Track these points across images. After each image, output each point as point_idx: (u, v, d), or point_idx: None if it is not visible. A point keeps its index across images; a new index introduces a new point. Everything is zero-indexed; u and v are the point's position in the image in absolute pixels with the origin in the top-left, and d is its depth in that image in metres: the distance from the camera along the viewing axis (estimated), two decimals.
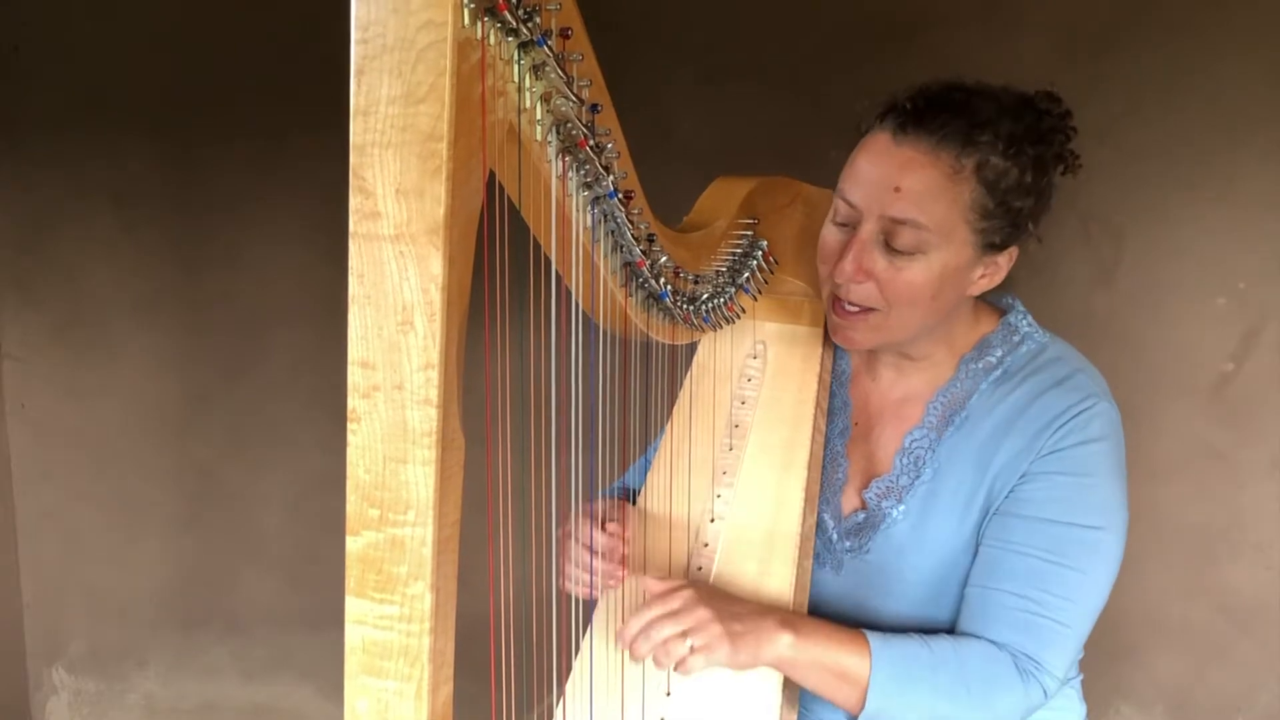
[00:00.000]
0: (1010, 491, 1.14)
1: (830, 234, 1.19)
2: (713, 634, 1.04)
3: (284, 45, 2.18)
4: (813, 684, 1.09)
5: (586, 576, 1.17)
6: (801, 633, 1.07)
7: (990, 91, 1.13)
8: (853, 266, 1.14)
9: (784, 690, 1.10)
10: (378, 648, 0.71)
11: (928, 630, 1.14)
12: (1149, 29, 1.85)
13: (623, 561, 1.19)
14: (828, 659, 1.07)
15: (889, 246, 1.12)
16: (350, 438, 0.69)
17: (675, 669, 1.05)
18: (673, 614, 1.05)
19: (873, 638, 1.08)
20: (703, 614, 1.05)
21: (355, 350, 0.68)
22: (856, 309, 1.17)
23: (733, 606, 1.08)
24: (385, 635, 0.70)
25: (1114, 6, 1.86)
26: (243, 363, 2.35)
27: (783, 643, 1.06)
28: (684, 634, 1.04)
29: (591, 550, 1.16)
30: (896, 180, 1.10)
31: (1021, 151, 1.11)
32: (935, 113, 1.10)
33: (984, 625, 1.12)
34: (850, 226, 1.15)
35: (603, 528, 1.18)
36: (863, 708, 1.07)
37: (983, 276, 1.17)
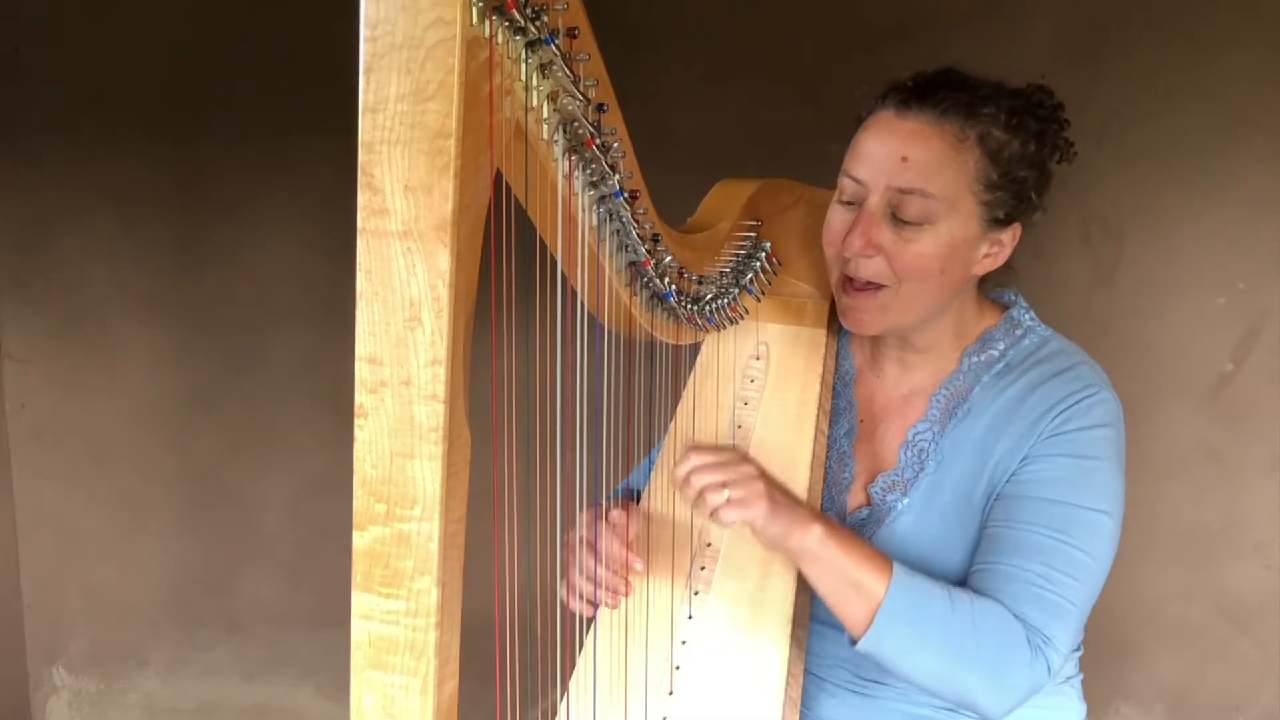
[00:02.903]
0: (1013, 475, 1.15)
1: (836, 215, 1.20)
2: (754, 490, 1.03)
3: (284, 45, 2.18)
4: (828, 587, 1.07)
5: (589, 588, 1.16)
6: (833, 531, 1.06)
7: (985, 78, 1.16)
8: (861, 241, 1.15)
9: (786, 690, 1.10)
10: (383, 642, 0.71)
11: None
12: (1148, 29, 1.85)
13: (626, 574, 1.18)
14: (850, 566, 1.05)
15: (896, 219, 1.14)
16: (357, 433, 0.69)
17: (710, 517, 1.04)
18: (719, 464, 1.04)
19: (898, 566, 1.07)
20: (748, 469, 1.04)
21: (363, 346, 0.68)
22: (865, 287, 1.18)
23: (776, 482, 1.08)
24: (391, 630, 0.71)
25: (1113, 7, 1.87)
26: (243, 362, 2.35)
27: (813, 533, 1.05)
28: (723, 484, 1.03)
29: (596, 556, 1.16)
30: (903, 151, 1.12)
31: (1023, 124, 1.14)
32: (936, 88, 1.14)
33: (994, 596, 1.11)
34: (856, 204, 1.17)
35: (601, 533, 1.17)
36: (868, 627, 1.05)
37: (987, 255, 1.18)
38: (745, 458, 1.07)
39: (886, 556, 1.08)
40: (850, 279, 1.19)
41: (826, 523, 1.07)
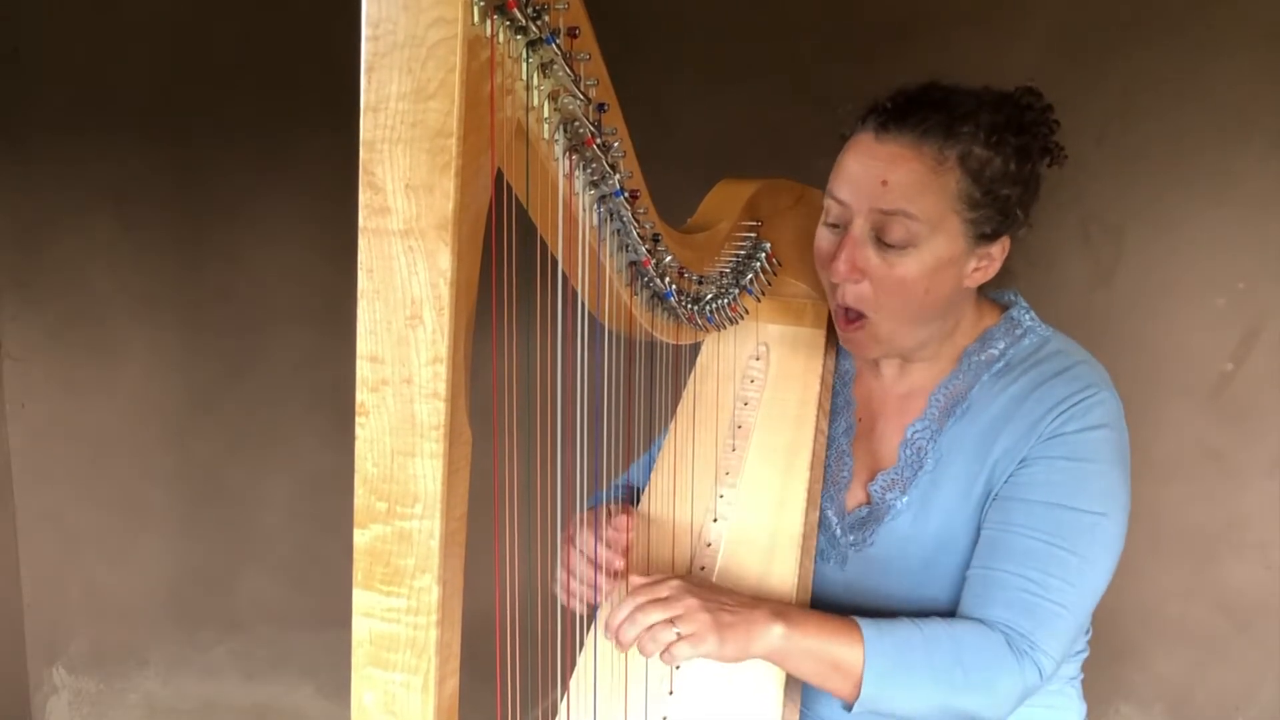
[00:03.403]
0: (1010, 476, 1.15)
1: (823, 238, 1.21)
2: (700, 622, 1.02)
3: (285, 45, 2.18)
4: (806, 674, 1.08)
5: (585, 590, 1.16)
6: (793, 623, 1.06)
7: (968, 89, 1.16)
8: (846, 266, 1.15)
9: (785, 689, 1.10)
10: (384, 640, 0.71)
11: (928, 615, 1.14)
12: (1147, 29, 1.86)
13: (623, 575, 1.17)
14: (820, 649, 1.06)
15: (881, 242, 1.14)
16: (359, 431, 0.69)
17: (661, 657, 1.03)
18: (660, 601, 1.03)
19: (865, 626, 1.07)
20: (690, 602, 1.03)
21: (364, 344, 0.68)
22: (854, 319, 1.19)
23: (722, 597, 1.07)
24: (392, 628, 0.71)
25: (1112, 7, 1.87)
26: (243, 362, 2.35)
27: (774, 634, 1.04)
28: (671, 621, 1.02)
29: (595, 565, 1.16)
30: (883, 174, 1.12)
31: (1004, 141, 1.13)
32: (915, 109, 1.13)
33: (981, 605, 1.12)
34: (842, 227, 1.17)
35: (601, 537, 1.17)
36: (858, 695, 1.06)
37: (976, 269, 1.18)
38: (687, 588, 1.05)
39: (850, 620, 1.08)
40: (844, 310, 1.20)
41: (784, 616, 1.06)
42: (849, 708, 1.08)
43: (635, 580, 1.08)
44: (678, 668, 1.13)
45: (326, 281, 2.21)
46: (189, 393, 2.39)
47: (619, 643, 1.04)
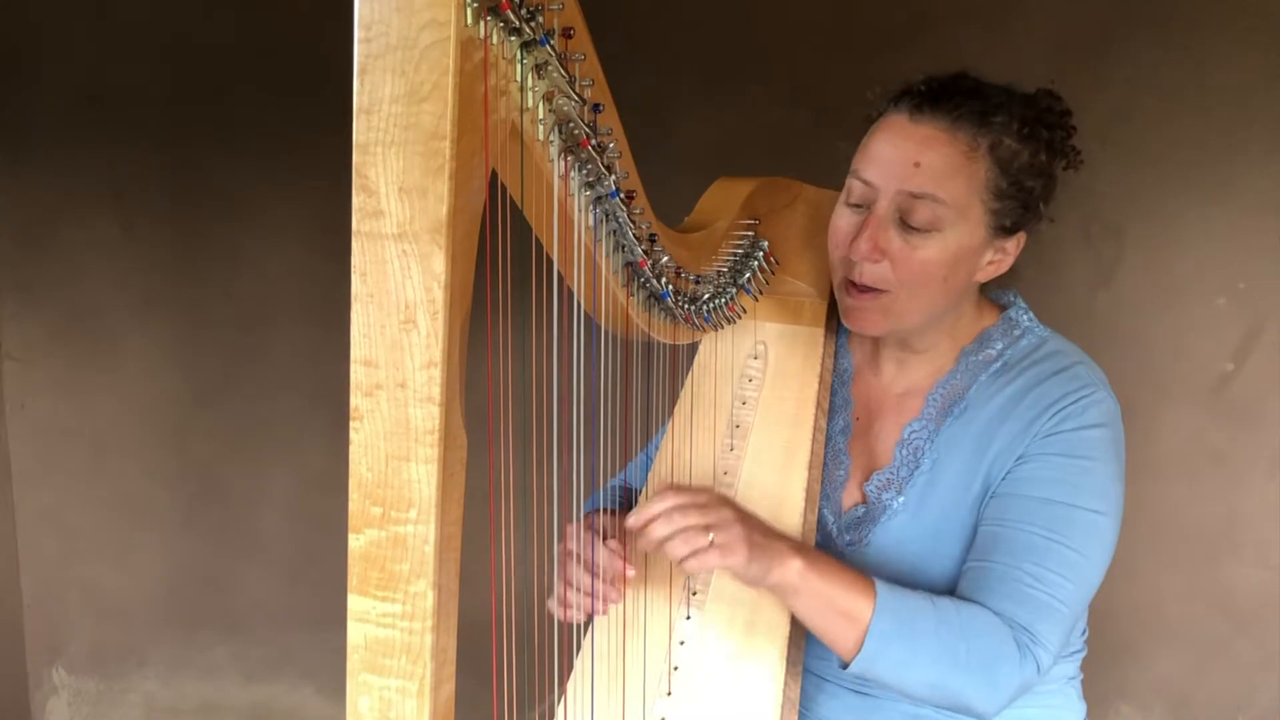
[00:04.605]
0: (1008, 473, 1.15)
1: (843, 217, 1.20)
2: (734, 535, 1.02)
3: (284, 45, 2.18)
4: (813, 616, 1.08)
5: (584, 600, 1.15)
6: (812, 563, 1.06)
7: (995, 83, 1.16)
8: (868, 245, 1.15)
9: (784, 690, 1.10)
10: (380, 645, 0.71)
11: None
12: (1149, 30, 1.85)
13: (622, 582, 1.16)
14: (832, 593, 1.06)
15: (905, 224, 1.14)
16: (353, 435, 0.69)
17: (685, 563, 1.01)
18: (698, 506, 1.03)
19: (880, 584, 1.07)
20: (727, 514, 1.03)
21: (358, 348, 0.68)
22: (867, 289, 1.18)
23: (753, 520, 1.07)
24: (387, 633, 0.71)
25: (1114, 8, 1.86)
26: (243, 362, 2.35)
27: (792, 568, 1.04)
28: (706, 528, 1.01)
29: (593, 573, 1.15)
30: (915, 156, 1.12)
31: (1034, 134, 1.14)
32: (950, 94, 1.14)
33: (981, 597, 1.11)
34: (865, 207, 1.16)
35: (604, 542, 1.16)
36: (859, 651, 1.05)
37: (991, 263, 1.18)
38: (723, 500, 1.06)
39: (868, 577, 1.08)
40: (854, 282, 1.19)
41: (805, 554, 1.06)
42: (846, 666, 1.07)
43: (675, 487, 1.06)
44: (676, 668, 1.13)
45: (327, 280, 2.21)
46: (189, 392, 2.39)
47: (648, 538, 1.02)
